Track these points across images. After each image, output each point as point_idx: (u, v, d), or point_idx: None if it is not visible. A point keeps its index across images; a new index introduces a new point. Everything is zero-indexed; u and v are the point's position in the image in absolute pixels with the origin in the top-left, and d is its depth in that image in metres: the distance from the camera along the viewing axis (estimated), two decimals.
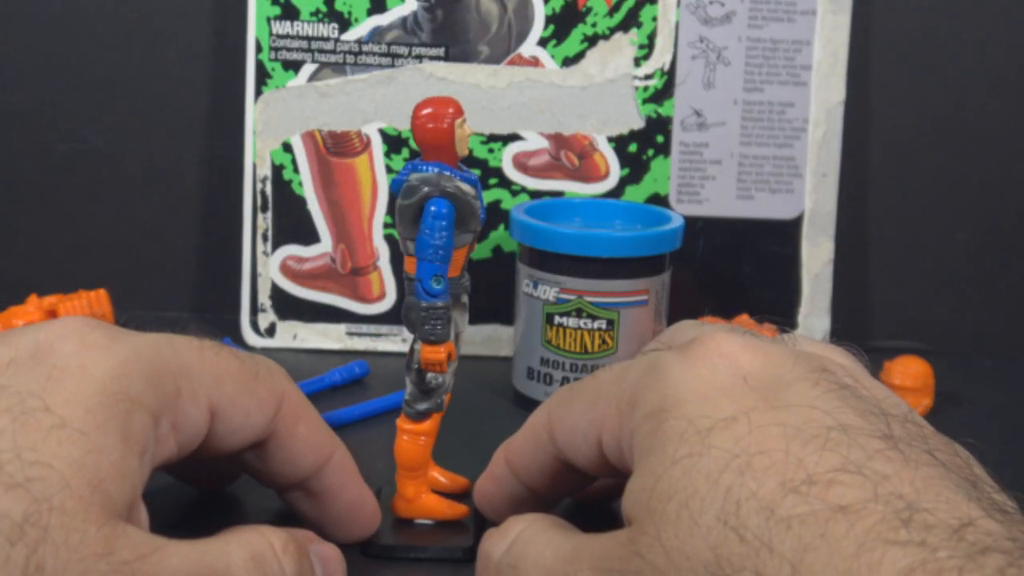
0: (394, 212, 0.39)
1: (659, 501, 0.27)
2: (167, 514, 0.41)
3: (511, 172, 0.64)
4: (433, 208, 0.38)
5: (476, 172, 0.42)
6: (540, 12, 0.64)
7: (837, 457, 0.26)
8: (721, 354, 0.31)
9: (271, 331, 0.64)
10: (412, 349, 0.40)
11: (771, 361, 0.30)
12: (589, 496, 0.42)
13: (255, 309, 0.64)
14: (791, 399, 0.28)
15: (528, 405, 0.56)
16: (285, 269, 0.64)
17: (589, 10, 0.64)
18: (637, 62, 0.64)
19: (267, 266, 0.64)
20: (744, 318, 0.60)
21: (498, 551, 0.34)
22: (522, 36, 0.64)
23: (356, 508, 0.39)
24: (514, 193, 0.64)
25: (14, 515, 0.27)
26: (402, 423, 0.41)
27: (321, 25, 0.63)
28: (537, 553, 0.32)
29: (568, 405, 0.35)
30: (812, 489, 0.25)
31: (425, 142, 0.39)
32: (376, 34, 0.63)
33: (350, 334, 0.65)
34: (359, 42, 0.63)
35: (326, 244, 0.64)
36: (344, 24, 0.63)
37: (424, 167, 0.39)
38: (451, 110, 0.39)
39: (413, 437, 0.41)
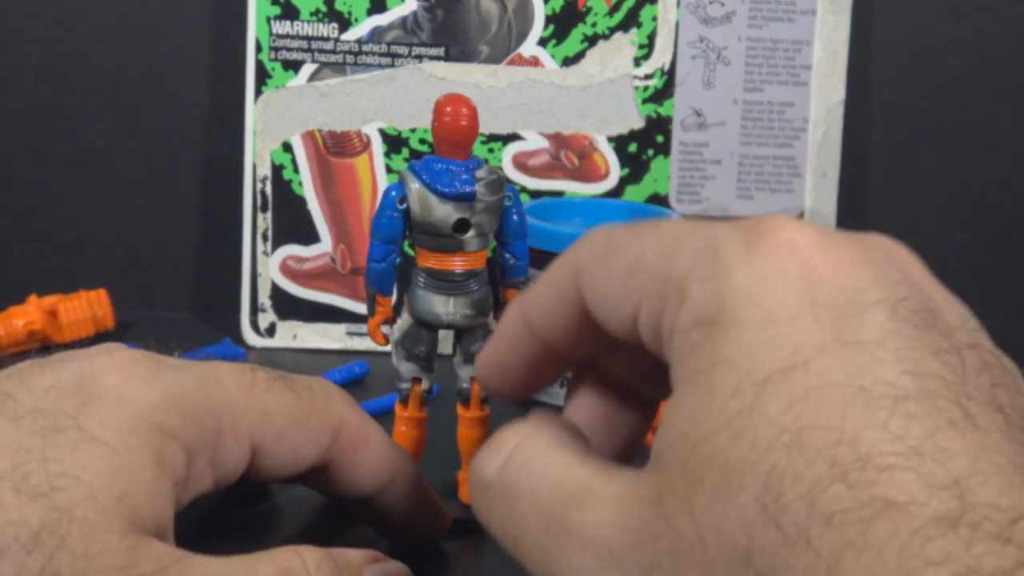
0: (463, 213, 0.40)
1: (698, 462, 0.25)
2: (208, 532, 0.40)
3: (511, 172, 0.64)
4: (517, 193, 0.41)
5: None
6: (540, 12, 0.64)
7: (896, 433, 0.23)
8: (793, 251, 0.26)
9: (271, 331, 0.64)
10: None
11: (848, 271, 0.27)
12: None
13: (255, 309, 0.64)
14: (862, 333, 0.25)
15: (528, 404, 0.56)
16: (285, 269, 0.64)
17: (589, 10, 0.64)
18: (637, 62, 0.64)
19: (267, 266, 0.64)
20: None
21: (490, 471, 0.30)
22: (522, 36, 0.64)
23: (421, 523, 0.39)
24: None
25: (32, 523, 0.27)
26: (470, 413, 0.42)
27: (321, 25, 0.63)
28: (533, 485, 0.28)
29: (603, 261, 0.30)
30: (862, 476, 0.23)
31: (459, 138, 0.39)
32: (376, 34, 0.63)
33: (350, 334, 0.65)
34: (359, 42, 0.63)
35: (326, 244, 0.64)
36: (344, 24, 0.63)
37: (472, 163, 0.40)
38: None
39: (485, 421, 0.42)
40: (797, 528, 0.23)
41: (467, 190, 0.39)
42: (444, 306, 0.40)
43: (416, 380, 0.42)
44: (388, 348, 0.43)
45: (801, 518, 0.23)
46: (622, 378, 0.34)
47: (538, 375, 0.34)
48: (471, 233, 0.40)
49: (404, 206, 0.40)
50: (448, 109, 0.39)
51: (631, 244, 0.30)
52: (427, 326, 0.41)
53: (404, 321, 0.42)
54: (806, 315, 0.25)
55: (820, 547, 0.22)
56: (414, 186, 0.39)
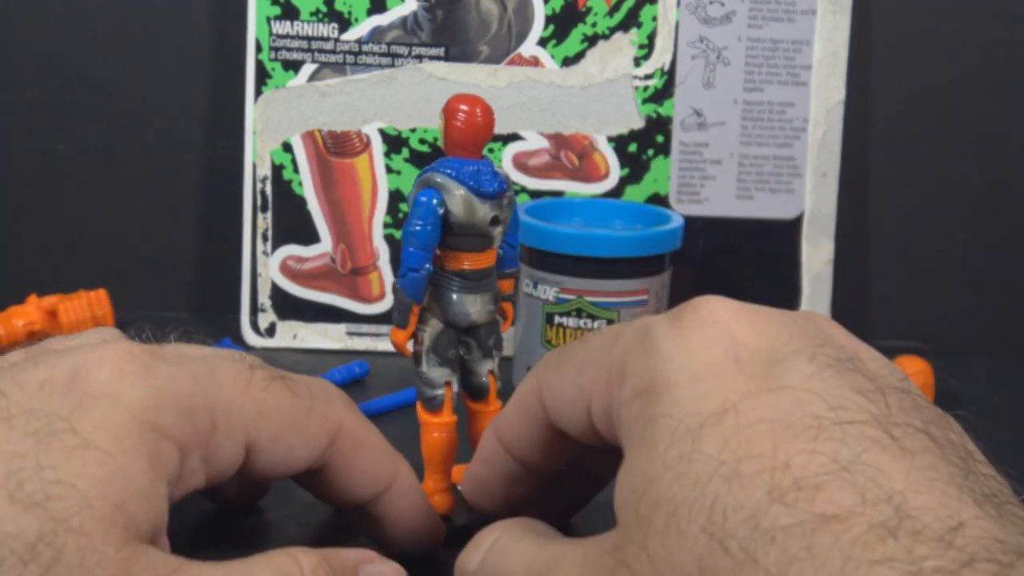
0: (492, 210, 0.40)
1: (648, 508, 0.26)
2: (203, 540, 0.40)
3: (511, 172, 0.64)
4: None
5: None
6: (540, 12, 0.64)
7: (827, 456, 0.25)
8: (715, 322, 0.29)
9: (271, 331, 0.64)
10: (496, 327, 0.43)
11: (767, 331, 0.29)
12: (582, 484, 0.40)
13: (255, 309, 0.64)
14: (785, 379, 0.27)
15: None
16: (285, 269, 0.64)
17: (589, 10, 0.64)
18: (637, 62, 0.64)
19: (267, 266, 0.64)
20: None
21: (472, 564, 0.32)
22: (522, 36, 0.64)
23: (416, 531, 0.38)
24: (514, 193, 0.64)
25: (28, 534, 0.26)
26: (488, 407, 0.42)
27: (321, 25, 0.63)
28: (511, 565, 0.31)
29: (557, 369, 0.34)
30: (799, 496, 0.24)
31: (480, 138, 0.39)
32: (376, 34, 0.63)
33: (350, 334, 0.65)
34: (359, 42, 0.63)
35: (326, 244, 0.64)
36: (344, 24, 0.63)
37: (487, 161, 0.40)
38: None
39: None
40: (744, 550, 0.24)
41: (504, 187, 0.40)
42: (474, 305, 0.41)
43: (447, 384, 0.42)
44: (388, 350, 0.42)
45: (747, 540, 0.24)
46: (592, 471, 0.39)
47: (517, 491, 0.37)
48: (499, 229, 0.40)
49: (441, 212, 0.39)
50: (465, 109, 0.39)
51: (578, 350, 0.33)
52: (454, 327, 0.41)
53: (433, 327, 0.41)
54: (731, 370, 0.28)
55: (767, 565, 0.24)
56: (455, 189, 0.39)
